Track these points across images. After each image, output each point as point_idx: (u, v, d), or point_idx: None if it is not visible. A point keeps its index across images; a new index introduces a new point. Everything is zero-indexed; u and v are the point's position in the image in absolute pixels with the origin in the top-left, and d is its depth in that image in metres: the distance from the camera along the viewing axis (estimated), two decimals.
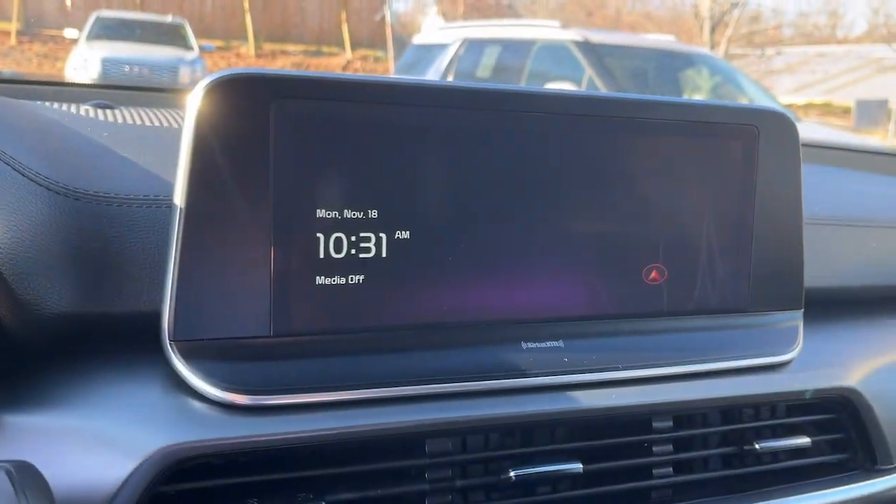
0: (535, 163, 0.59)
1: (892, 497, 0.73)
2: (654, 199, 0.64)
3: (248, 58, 14.26)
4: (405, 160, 0.56)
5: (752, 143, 0.67)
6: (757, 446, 0.67)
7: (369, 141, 0.55)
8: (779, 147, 0.68)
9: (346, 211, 0.55)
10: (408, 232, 0.57)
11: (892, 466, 0.72)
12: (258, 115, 0.52)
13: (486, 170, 0.58)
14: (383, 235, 0.56)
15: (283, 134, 0.53)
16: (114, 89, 1.02)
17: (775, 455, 0.70)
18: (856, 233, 0.83)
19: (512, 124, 0.59)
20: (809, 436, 0.70)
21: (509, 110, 0.58)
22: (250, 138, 0.52)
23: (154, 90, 1.09)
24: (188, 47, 9.57)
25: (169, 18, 10.44)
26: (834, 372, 0.71)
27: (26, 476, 0.40)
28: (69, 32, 10.60)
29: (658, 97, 0.64)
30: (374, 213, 0.56)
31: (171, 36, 9.60)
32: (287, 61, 14.29)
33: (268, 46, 14.94)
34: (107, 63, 8.43)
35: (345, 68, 14.66)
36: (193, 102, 0.51)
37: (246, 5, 14.79)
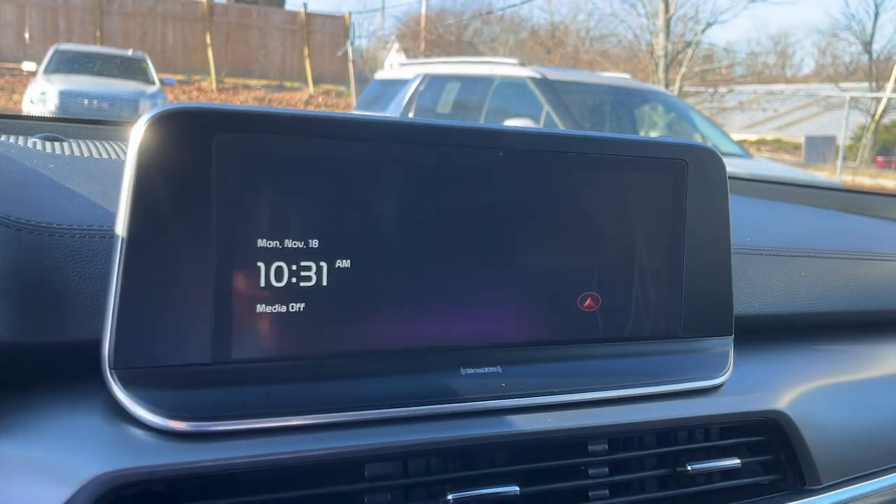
0: (473, 195, 0.62)
1: None
2: (589, 230, 0.66)
3: (209, 92, 14.23)
4: (344, 191, 0.58)
5: (681, 176, 0.70)
6: (689, 468, 0.69)
7: (309, 173, 0.57)
8: (707, 180, 0.71)
9: (286, 240, 0.56)
10: (348, 261, 0.58)
11: (820, 487, 0.75)
12: (200, 148, 0.54)
13: (424, 201, 0.60)
14: (324, 264, 0.58)
15: (225, 166, 0.54)
16: (64, 122, 1.02)
17: (709, 476, 0.72)
18: (784, 262, 0.87)
19: (448, 158, 0.61)
20: (741, 457, 0.73)
21: (445, 144, 0.61)
22: (193, 170, 0.54)
23: (104, 123, 1.09)
24: (149, 81, 9.53)
25: (130, 52, 10.40)
26: (763, 395, 0.74)
27: None
28: (27, 65, 10.50)
29: (592, 133, 0.67)
30: (314, 243, 0.57)
31: (132, 69, 9.56)
32: (249, 95, 14.29)
33: (230, 80, 14.95)
34: (65, 96, 8.35)
35: (307, 103, 14.71)
36: (136, 135, 0.53)
37: (208, 39, 14.81)
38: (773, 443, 0.75)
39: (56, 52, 9.35)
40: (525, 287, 0.64)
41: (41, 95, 8.42)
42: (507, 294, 0.64)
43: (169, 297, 0.53)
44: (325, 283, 0.58)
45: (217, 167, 0.54)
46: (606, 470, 0.67)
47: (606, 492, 0.67)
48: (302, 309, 0.57)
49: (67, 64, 9.12)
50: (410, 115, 6.27)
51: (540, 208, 0.64)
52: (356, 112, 6.08)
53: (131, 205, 0.52)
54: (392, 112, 6.45)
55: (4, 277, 0.53)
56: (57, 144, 0.84)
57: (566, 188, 0.65)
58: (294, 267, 0.57)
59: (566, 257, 0.66)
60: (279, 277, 0.56)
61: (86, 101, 8.48)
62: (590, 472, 0.66)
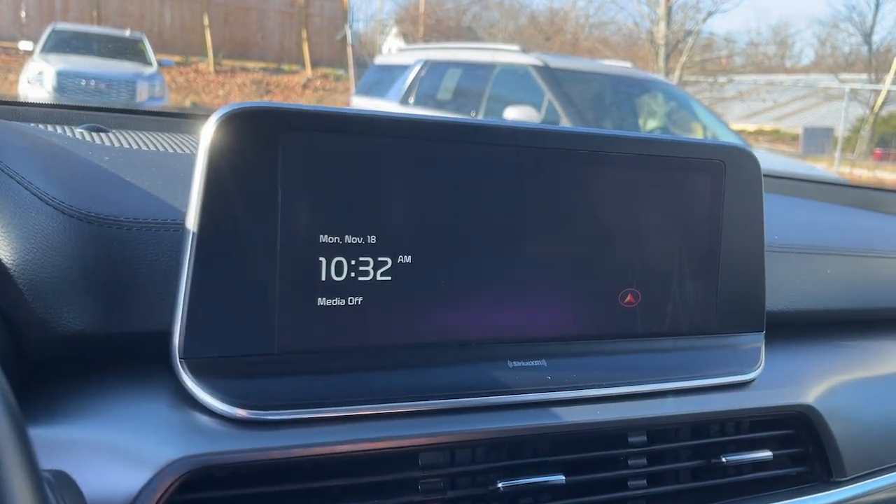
0: (524, 195, 0.64)
1: None
2: (630, 229, 0.68)
3: (207, 74, 14.16)
4: (402, 190, 0.60)
5: (719, 176, 0.72)
6: (723, 459, 0.72)
7: (369, 171, 0.58)
8: (743, 181, 0.73)
9: (346, 236, 0.58)
10: (404, 257, 0.60)
11: (847, 479, 0.78)
12: (268, 146, 0.55)
13: (477, 201, 0.62)
14: (381, 260, 0.59)
15: (291, 164, 0.56)
16: (102, 111, 1.04)
17: (740, 468, 0.75)
18: (812, 260, 0.89)
19: (503, 158, 0.63)
20: (771, 450, 0.75)
21: (500, 144, 0.62)
22: (260, 167, 0.55)
23: (143, 113, 1.11)
24: (146, 62, 9.46)
25: (127, 33, 10.31)
26: (792, 390, 0.76)
27: (63, 484, 0.42)
28: (24, 44, 10.40)
29: (636, 133, 0.69)
30: (372, 239, 0.59)
31: (130, 50, 9.48)
32: (247, 78, 14.22)
33: (227, 63, 14.86)
34: (62, 76, 8.29)
35: (305, 86, 14.65)
36: (207, 132, 0.54)
37: (206, 21, 14.71)
38: (801, 436, 0.77)
39: (53, 31, 9.26)
40: (569, 284, 0.66)
41: (38, 76, 8.36)
42: (552, 290, 0.66)
43: (236, 290, 0.55)
44: (381, 277, 0.60)
45: (283, 164, 0.56)
46: (645, 461, 0.69)
47: (644, 481, 0.69)
48: (359, 302, 0.59)
49: (64, 44, 9.04)
50: (411, 101, 6.26)
51: (584, 207, 0.66)
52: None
53: (202, 199, 0.54)
54: (392, 98, 6.43)
55: (78, 269, 0.55)
56: (103, 136, 0.86)
57: (610, 187, 0.67)
58: (353, 262, 0.58)
59: (608, 255, 0.68)
60: (339, 272, 0.58)
61: (83, 82, 8.42)
62: (629, 462, 0.68)
